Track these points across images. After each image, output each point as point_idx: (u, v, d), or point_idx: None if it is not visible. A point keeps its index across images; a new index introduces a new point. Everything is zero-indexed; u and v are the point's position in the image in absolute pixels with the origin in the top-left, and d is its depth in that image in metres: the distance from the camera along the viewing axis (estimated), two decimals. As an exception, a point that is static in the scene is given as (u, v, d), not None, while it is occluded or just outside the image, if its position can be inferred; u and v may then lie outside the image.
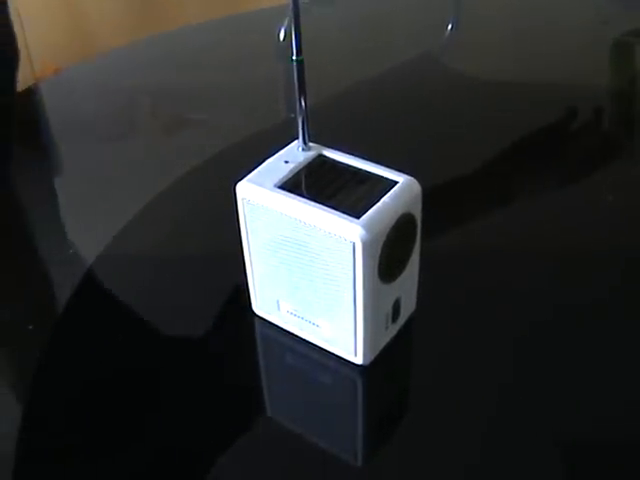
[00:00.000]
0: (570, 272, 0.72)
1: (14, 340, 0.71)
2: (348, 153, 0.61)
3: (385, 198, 0.57)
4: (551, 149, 0.90)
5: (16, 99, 1.08)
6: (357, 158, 0.60)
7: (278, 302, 0.63)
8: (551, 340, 0.65)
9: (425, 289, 0.65)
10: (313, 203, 0.56)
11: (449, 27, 1.19)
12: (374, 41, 1.17)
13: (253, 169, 0.60)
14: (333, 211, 0.55)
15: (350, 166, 0.60)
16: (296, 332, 0.64)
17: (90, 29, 2.07)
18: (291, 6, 0.55)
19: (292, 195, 0.57)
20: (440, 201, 0.73)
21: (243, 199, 0.59)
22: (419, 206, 0.59)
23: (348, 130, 0.92)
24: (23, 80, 1.14)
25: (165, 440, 0.60)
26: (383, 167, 0.59)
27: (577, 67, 1.07)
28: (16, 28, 1.12)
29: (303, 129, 0.60)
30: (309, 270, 0.58)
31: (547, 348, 0.65)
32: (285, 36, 1.08)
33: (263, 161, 0.61)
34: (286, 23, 1.07)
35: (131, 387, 0.64)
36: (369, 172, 0.59)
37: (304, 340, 0.64)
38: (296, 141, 0.61)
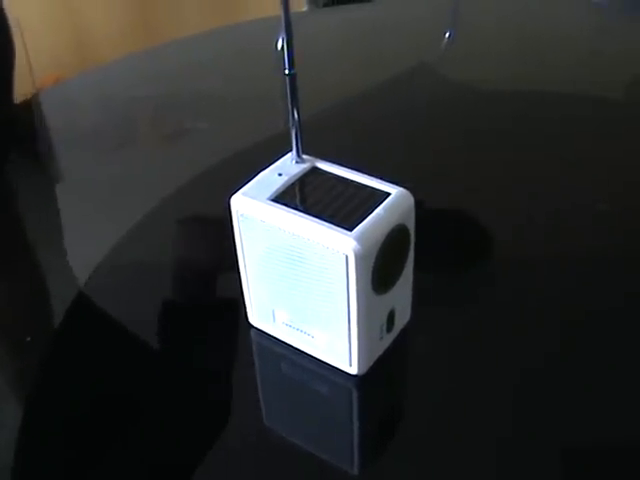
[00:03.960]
0: (566, 280, 0.72)
1: (12, 351, 0.71)
2: (342, 165, 0.62)
3: (378, 210, 0.57)
4: (549, 158, 0.91)
5: (14, 107, 1.09)
6: (350, 170, 0.61)
7: (273, 313, 0.64)
8: (547, 348, 0.66)
9: (419, 299, 0.65)
10: (306, 216, 0.56)
11: (446, 37, 1.20)
12: (371, 51, 1.17)
13: (248, 181, 0.61)
14: (326, 224, 0.56)
15: (343, 178, 0.60)
16: (291, 342, 0.65)
17: (90, 40, 2.08)
18: (283, 20, 0.56)
19: (286, 208, 0.57)
20: (434, 212, 0.73)
21: (237, 212, 0.60)
22: (412, 217, 0.60)
23: (343, 141, 0.92)
24: (23, 90, 1.15)
25: (160, 450, 0.60)
26: (376, 179, 0.60)
27: (575, 75, 1.07)
28: (16, 38, 1.13)
29: (296, 141, 0.60)
30: (303, 281, 0.59)
31: (543, 356, 0.65)
32: (282, 45, 1.08)
33: (258, 173, 0.61)
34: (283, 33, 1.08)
35: (126, 397, 0.65)
36: (362, 184, 0.60)
37: (299, 350, 0.64)
38: (290, 153, 0.62)
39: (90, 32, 2.07)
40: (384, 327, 0.62)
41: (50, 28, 1.99)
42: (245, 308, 0.66)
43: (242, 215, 0.59)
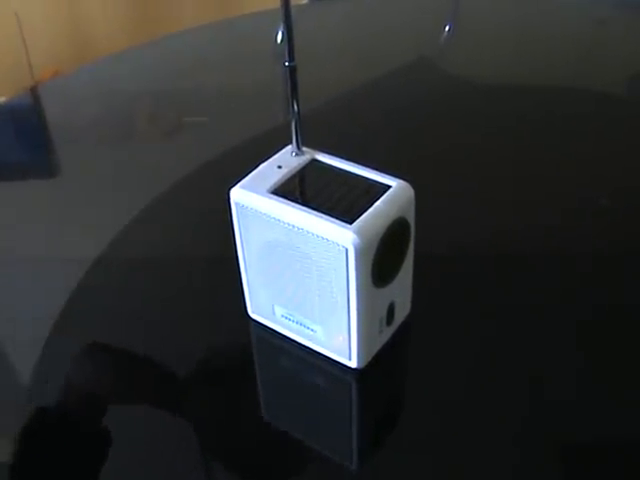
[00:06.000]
0: (567, 276, 0.72)
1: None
2: (342, 157, 0.61)
3: (378, 203, 0.57)
4: (550, 153, 0.91)
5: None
6: (350, 163, 0.61)
7: (273, 306, 0.64)
8: (547, 343, 0.66)
9: (419, 293, 0.65)
10: (306, 208, 0.56)
11: (446, 30, 1.19)
12: (371, 45, 1.17)
13: (248, 174, 0.61)
14: (326, 216, 0.55)
15: (343, 170, 0.60)
16: (291, 336, 0.64)
17: (89, 34, 2.08)
18: (282, 12, 0.55)
19: (285, 200, 0.57)
20: (434, 205, 0.73)
21: (237, 204, 0.59)
22: (412, 210, 0.59)
23: (342, 134, 0.92)
24: (22, 83, 1.14)
25: (160, 442, 0.60)
26: (376, 171, 0.60)
27: (574, 69, 1.07)
28: (16, 31, 1.13)
29: (296, 134, 0.60)
30: (303, 275, 0.59)
31: (543, 351, 0.65)
32: (282, 38, 1.08)
33: (258, 166, 0.61)
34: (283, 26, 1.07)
35: (124, 390, 0.65)
36: (362, 176, 0.59)
37: (299, 344, 0.64)
38: (289, 146, 0.61)
39: (89, 26, 2.07)
40: (384, 320, 0.62)
41: (49, 22, 1.98)
42: (245, 301, 0.66)
43: (241, 207, 0.59)
